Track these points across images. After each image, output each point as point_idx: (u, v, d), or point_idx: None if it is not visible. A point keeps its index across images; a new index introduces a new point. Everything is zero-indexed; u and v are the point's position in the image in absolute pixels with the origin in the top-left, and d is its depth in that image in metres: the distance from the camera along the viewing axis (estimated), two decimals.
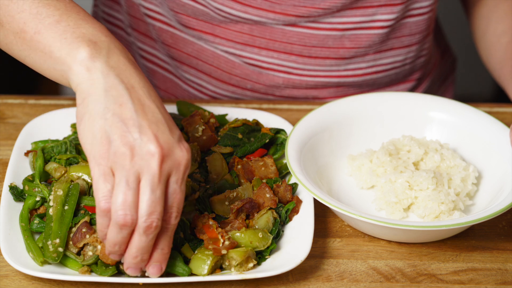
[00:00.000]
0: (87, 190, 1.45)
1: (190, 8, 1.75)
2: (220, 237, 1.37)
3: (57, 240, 1.37)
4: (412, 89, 1.91)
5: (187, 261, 1.37)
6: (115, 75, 1.29)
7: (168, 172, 1.27)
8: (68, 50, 1.31)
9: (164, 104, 1.34)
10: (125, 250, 1.30)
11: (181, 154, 1.28)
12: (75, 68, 1.30)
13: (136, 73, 1.31)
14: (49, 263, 1.37)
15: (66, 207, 1.40)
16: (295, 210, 1.46)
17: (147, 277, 1.34)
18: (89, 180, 1.47)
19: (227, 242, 1.37)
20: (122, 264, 1.36)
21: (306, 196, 1.47)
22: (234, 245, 1.37)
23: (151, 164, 1.26)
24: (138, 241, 1.27)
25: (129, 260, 1.30)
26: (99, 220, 1.29)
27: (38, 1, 1.35)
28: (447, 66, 2.05)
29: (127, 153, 1.26)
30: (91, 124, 1.28)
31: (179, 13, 1.77)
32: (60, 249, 1.36)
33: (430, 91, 1.96)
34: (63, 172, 1.49)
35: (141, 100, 1.29)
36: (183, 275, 1.34)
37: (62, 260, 1.38)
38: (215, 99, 1.85)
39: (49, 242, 1.36)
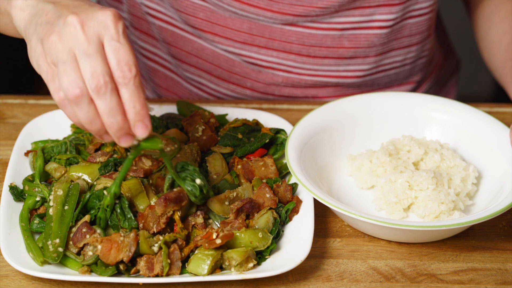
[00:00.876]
0: (87, 190, 1.45)
1: (189, 5, 1.75)
2: (214, 232, 1.38)
3: (57, 240, 1.37)
4: (413, 91, 1.91)
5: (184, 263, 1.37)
6: (44, 1, 1.34)
7: (97, 34, 1.29)
8: (7, 1, 1.38)
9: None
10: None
11: (104, 14, 1.29)
12: (13, 13, 1.37)
13: None
14: (49, 263, 1.37)
15: (66, 207, 1.41)
16: (295, 210, 1.46)
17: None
18: (89, 180, 1.47)
19: (221, 234, 1.37)
20: (122, 264, 1.36)
21: (306, 196, 1.47)
22: (231, 235, 1.37)
23: (75, 34, 1.28)
24: (101, 106, 1.29)
25: (110, 131, 1.31)
26: (65, 112, 1.31)
27: None
28: (450, 67, 2.04)
29: (55, 40, 1.29)
30: (29, 44, 1.33)
31: (178, 10, 1.77)
32: (60, 249, 1.36)
33: (431, 92, 1.96)
34: (63, 172, 1.49)
35: (65, 4, 1.33)
36: (157, 147, 1.35)
37: (62, 260, 1.38)
38: (216, 97, 1.85)
39: (49, 242, 1.36)
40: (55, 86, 1.29)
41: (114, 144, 1.54)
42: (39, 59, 1.31)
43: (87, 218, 1.40)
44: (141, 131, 1.30)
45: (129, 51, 1.29)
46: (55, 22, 1.30)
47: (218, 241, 1.36)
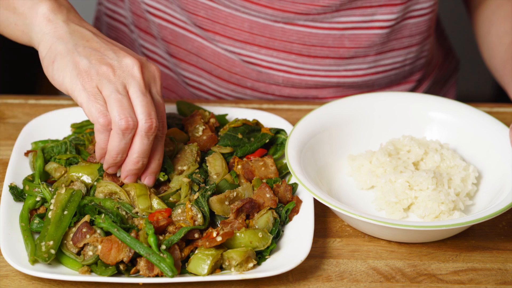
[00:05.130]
0: (85, 193, 1.45)
1: (191, 2, 1.75)
2: (214, 231, 1.38)
3: (51, 242, 1.37)
4: (412, 90, 1.91)
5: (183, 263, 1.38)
6: (76, 24, 1.39)
7: (148, 82, 1.38)
8: (30, 4, 1.39)
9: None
10: (124, 160, 1.39)
11: (154, 67, 1.40)
12: (37, 21, 1.39)
13: (94, 29, 1.42)
14: (39, 263, 1.36)
15: (65, 212, 1.40)
16: (295, 210, 1.46)
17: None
18: (88, 181, 1.47)
19: (221, 232, 1.37)
20: (122, 264, 1.36)
21: (306, 196, 1.47)
22: (232, 233, 1.37)
23: (134, 73, 1.36)
24: (140, 144, 1.36)
25: (130, 167, 1.39)
26: (100, 136, 1.36)
27: None
28: (450, 67, 2.05)
29: (109, 70, 1.35)
30: (65, 61, 1.36)
31: (179, 7, 1.77)
32: (52, 251, 1.36)
33: (431, 92, 1.96)
34: (63, 172, 1.49)
35: (104, 38, 1.40)
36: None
37: (62, 260, 1.38)
38: (216, 97, 1.85)
39: (43, 243, 1.36)
40: (99, 107, 1.34)
41: None
42: (77, 76, 1.35)
43: (87, 218, 1.40)
44: (151, 182, 1.42)
45: (165, 110, 1.41)
46: (107, 54, 1.37)
47: (219, 239, 1.36)
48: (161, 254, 1.34)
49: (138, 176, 1.42)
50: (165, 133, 1.41)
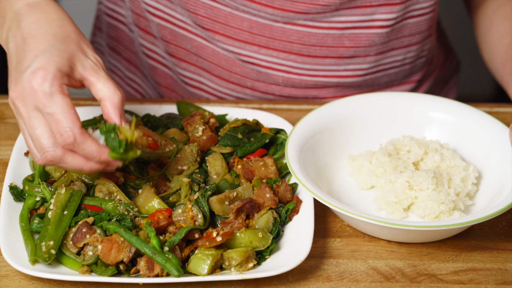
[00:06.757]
0: (85, 192, 1.45)
1: (190, 0, 1.75)
2: (214, 231, 1.38)
3: (51, 242, 1.37)
4: (413, 91, 1.91)
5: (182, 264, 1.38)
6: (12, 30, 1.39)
7: (35, 105, 1.32)
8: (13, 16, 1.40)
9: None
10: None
11: (29, 83, 1.32)
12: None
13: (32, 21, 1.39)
14: (40, 263, 1.37)
15: (65, 212, 1.40)
16: (295, 210, 1.46)
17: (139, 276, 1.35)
18: (88, 181, 1.47)
19: (221, 232, 1.37)
20: (122, 264, 1.36)
21: (306, 196, 1.47)
22: (231, 233, 1.37)
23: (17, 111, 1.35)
24: (70, 163, 1.34)
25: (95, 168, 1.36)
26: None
27: None
28: (450, 67, 2.05)
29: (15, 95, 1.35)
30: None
31: (179, 6, 1.77)
32: (53, 251, 1.36)
33: (431, 92, 1.96)
34: (63, 172, 1.49)
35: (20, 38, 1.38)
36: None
37: (62, 260, 1.38)
38: (216, 97, 1.85)
39: (43, 243, 1.36)
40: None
41: None
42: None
43: (87, 218, 1.40)
44: (116, 167, 1.37)
45: (59, 118, 1.32)
46: (18, 68, 1.35)
47: (219, 239, 1.36)
48: (166, 255, 1.34)
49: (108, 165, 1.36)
50: (72, 141, 1.32)
